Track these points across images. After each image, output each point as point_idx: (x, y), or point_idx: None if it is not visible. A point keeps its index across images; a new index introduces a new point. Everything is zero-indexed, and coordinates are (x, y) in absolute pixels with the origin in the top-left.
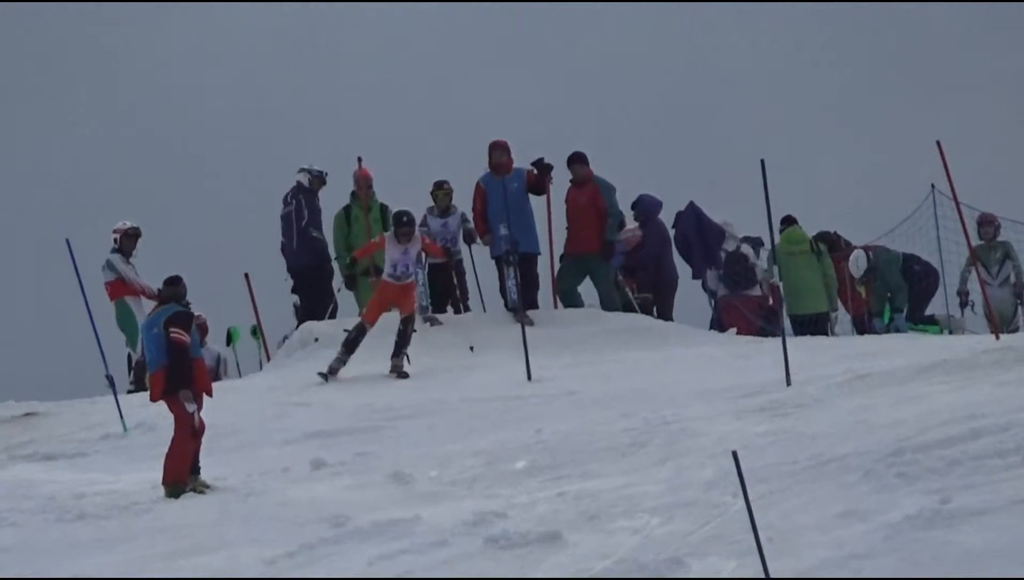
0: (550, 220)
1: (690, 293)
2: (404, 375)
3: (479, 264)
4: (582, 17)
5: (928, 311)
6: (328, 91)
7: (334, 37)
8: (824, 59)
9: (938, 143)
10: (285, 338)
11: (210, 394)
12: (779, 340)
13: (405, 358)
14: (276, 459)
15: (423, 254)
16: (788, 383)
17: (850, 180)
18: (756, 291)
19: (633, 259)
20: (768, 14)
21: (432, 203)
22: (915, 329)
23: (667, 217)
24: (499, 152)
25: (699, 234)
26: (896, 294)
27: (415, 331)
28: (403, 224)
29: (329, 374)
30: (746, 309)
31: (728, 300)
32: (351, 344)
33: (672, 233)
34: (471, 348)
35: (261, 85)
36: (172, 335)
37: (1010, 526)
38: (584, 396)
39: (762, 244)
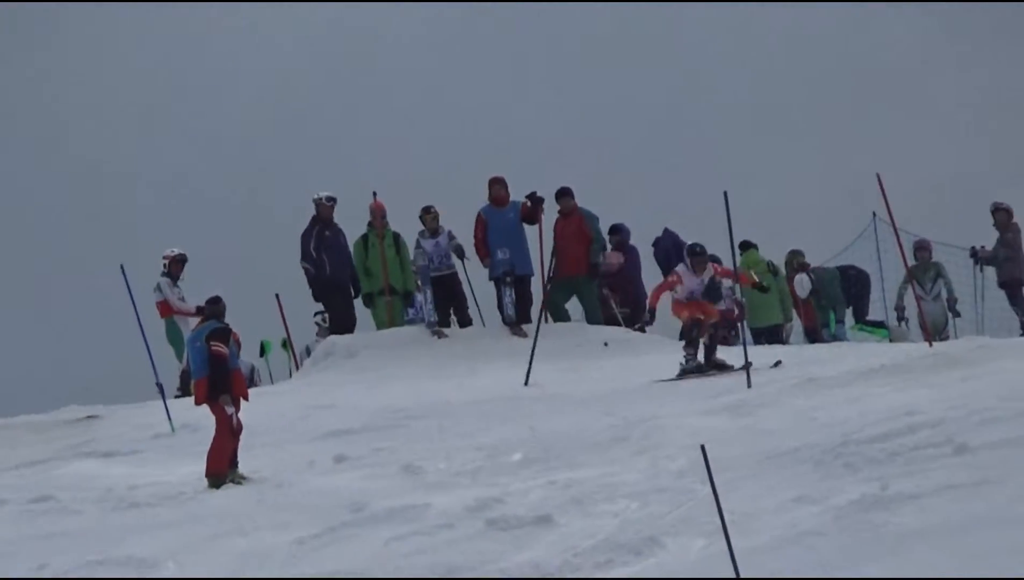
0: (541, 245)
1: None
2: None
3: (477, 284)
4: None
5: (876, 317)
6: (351, 121)
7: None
8: (794, 85)
9: (878, 176)
10: (307, 348)
11: (246, 399)
12: (741, 348)
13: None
14: (303, 454)
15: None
16: (749, 385)
17: (803, 205)
18: (722, 305)
19: (616, 279)
20: (724, 46)
21: (422, 226)
22: (864, 329)
23: (639, 241)
24: (498, 186)
25: (677, 255)
26: (837, 307)
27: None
28: (696, 254)
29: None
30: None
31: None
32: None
33: (653, 254)
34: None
35: (288, 108)
36: (213, 348)
37: (941, 508)
38: (572, 398)
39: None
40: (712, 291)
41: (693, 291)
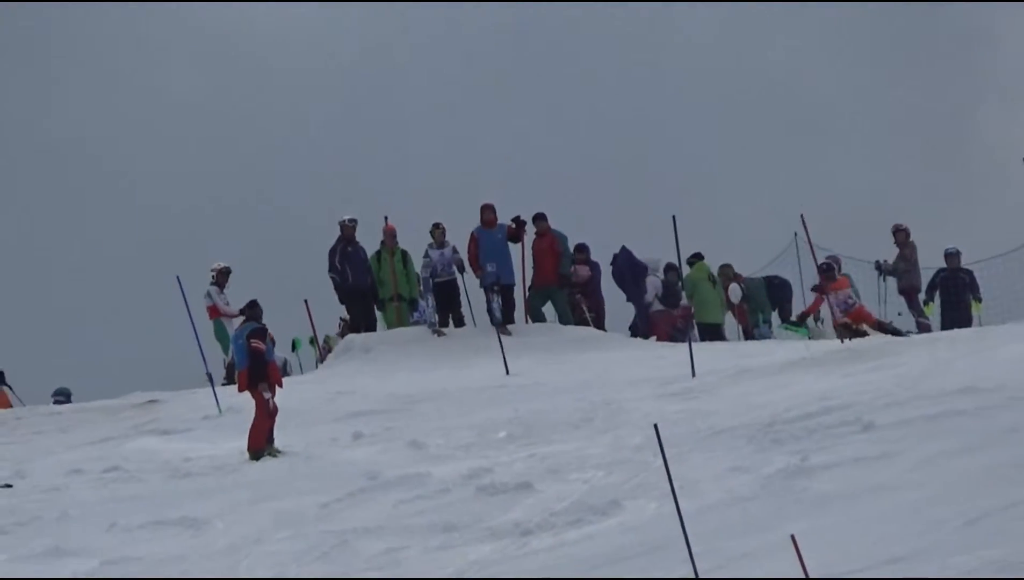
0: (524, 260)
1: (621, 311)
2: None
3: (471, 292)
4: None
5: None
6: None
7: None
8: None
9: (802, 216)
10: (326, 338)
11: (280, 386)
12: (688, 344)
13: None
14: (327, 432)
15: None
16: (693, 375)
17: (735, 223)
18: (678, 309)
19: (586, 288)
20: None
21: (431, 239)
22: (788, 328)
23: (599, 256)
24: (488, 212)
25: (630, 270)
26: (763, 310)
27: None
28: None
29: None
30: (666, 321)
31: (657, 314)
32: None
33: (611, 271)
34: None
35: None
36: (252, 345)
37: (852, 476)
38: (548, 385)
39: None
40: (673, 296)
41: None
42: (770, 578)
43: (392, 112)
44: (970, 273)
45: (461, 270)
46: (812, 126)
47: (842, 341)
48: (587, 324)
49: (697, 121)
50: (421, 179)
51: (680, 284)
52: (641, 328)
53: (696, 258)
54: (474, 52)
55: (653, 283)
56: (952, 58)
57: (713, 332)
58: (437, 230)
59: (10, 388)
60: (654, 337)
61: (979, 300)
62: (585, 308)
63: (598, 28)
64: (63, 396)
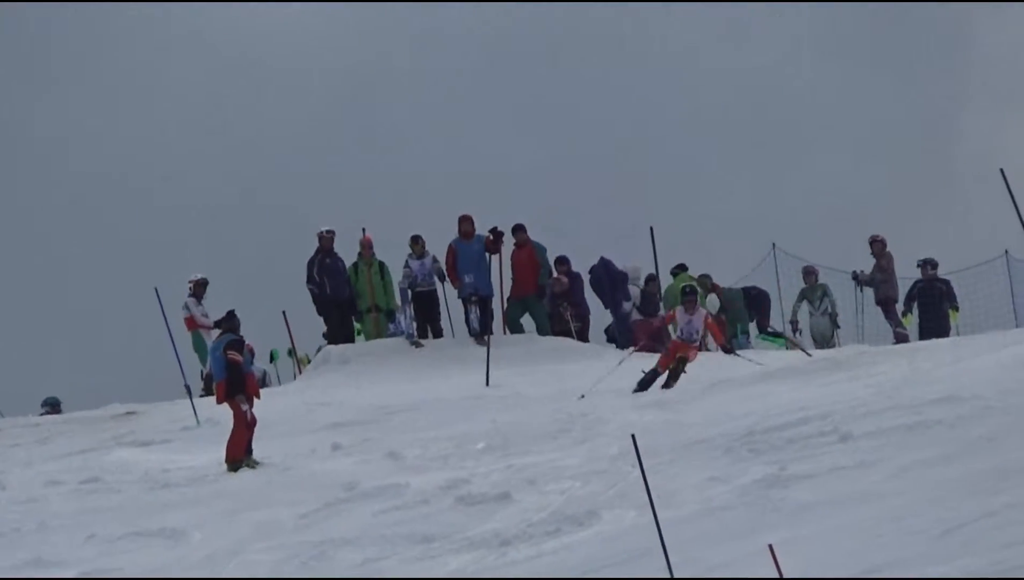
0: (501, 271)
1: (604, 322)
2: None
3: (449, 303)
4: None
5: (776, 328)
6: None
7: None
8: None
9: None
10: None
11: (258, 397)
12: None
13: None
14: (305, 443)
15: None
16: (671, 383)
17: (713, 233)
18: (658, 319)
19: (570, 298)
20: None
21: (411, 250)
22: (766, 338)
23: (578, 266)
24: (466, 223)
25: (609, 279)
26: (740, 321)
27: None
28: (686, 294)
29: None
30: (645, 330)
31: (636, 323)
32: (644, 383)
33: (589, 280)
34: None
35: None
36: (229, 356)
37: (829, 486)
38: (525, 396)
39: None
40: (653, 306)
41: (687, 331)
42: (748, 578)
43: (371, 120)
44: (947, 282)
45: (442, 279)
46: (791, 134)
47: (809, 354)
48: (570, 334)
49: (677, 128)
50: (399, 190)
51: (659, 295)
52: (621, 337)
53: (680, 269)
54: (449, 58)
55: (632, 292)
56: (933, 62)
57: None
58: (416, 244)
59: None
60: (631, 347)
61: (956, 309)
62: (570, 317)
63: (574, 31)
64: (52, 406)
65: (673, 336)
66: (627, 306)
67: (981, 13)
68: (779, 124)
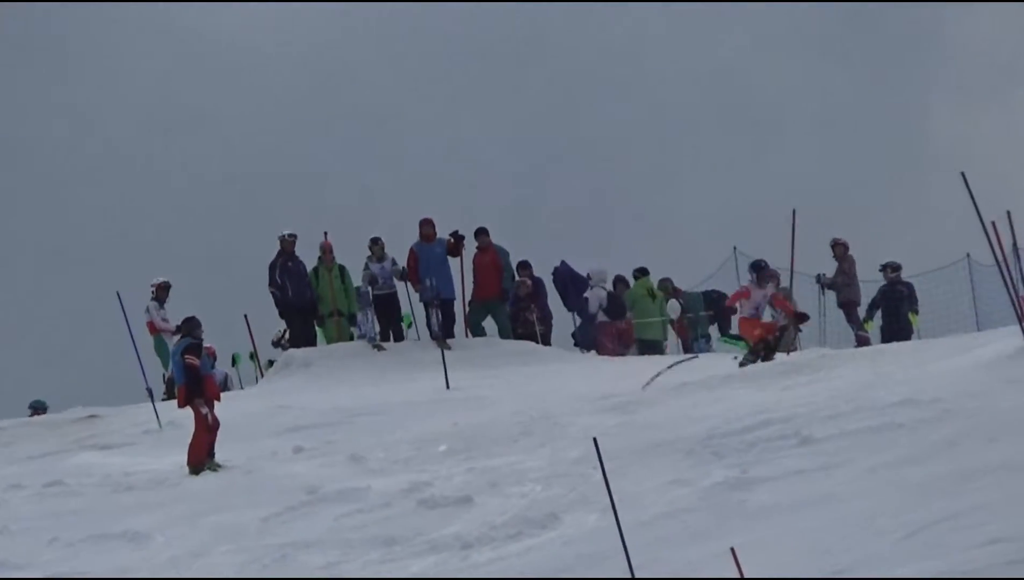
0: (463, 274)
1: (567, 325)
2: None
3: (412, 303)
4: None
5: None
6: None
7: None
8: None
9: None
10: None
11: (219, 400)
12: (627, 357)
13: None
14: (268, 446)
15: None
16: (645, 386)
17: (675, 238)
18: (623, 321)
19: (530, 301)
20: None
21: (370, 253)
22: (728, 341)
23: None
24: (427, 226)
25: (572, 282)
26: (700, 325)
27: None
28: (760, 269)
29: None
30: (610, 334)
31: (601, 326)
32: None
33: (552, 281)
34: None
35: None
36: (187, 361)
37: (791, 488)
38: (487, 399)
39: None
40: (618, 309)
41: (759, 305)
42: (711, 578)
43: (333, 122)
44: (909, 286)
45: (403, 279)
46: (754, 135)
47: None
48: (534, 337)
49: (640, 128)
50: (358, 194)
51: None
52: (585, 339)
53: (641, 273)
54: (404, 59)
55: (598, 295)
56: (900, 62)
57: (652, 347)
58: (376, 246)
59: None
60: (593, 350)
61: (916, 312)
62: (535, 320)
63: (535, 30)
64: (37, 409)
65: (743, 314)
66: (593, 308)
67: (951, 11)
68: (742, 125)
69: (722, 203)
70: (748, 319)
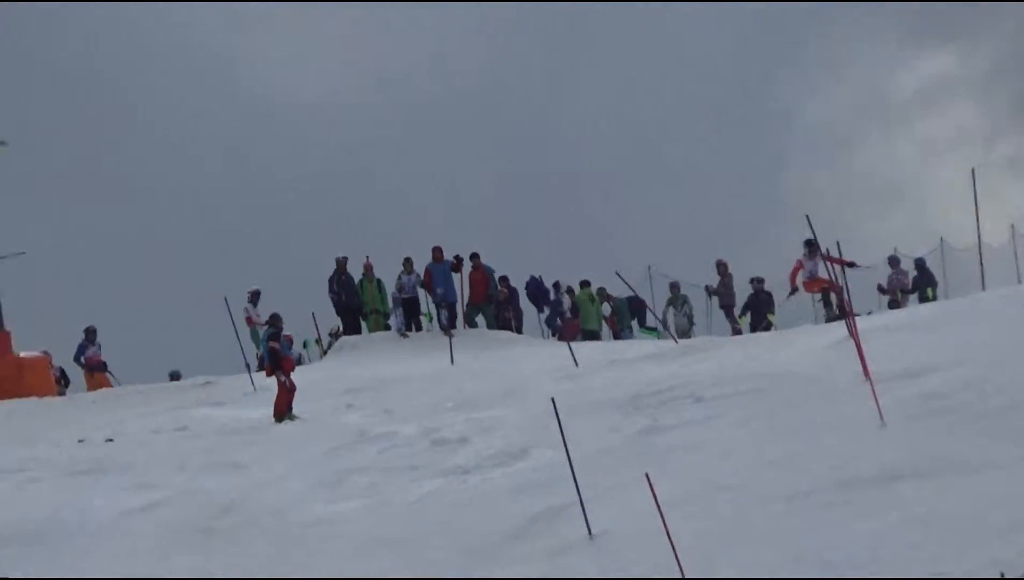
0: (462, 285)
1: (534, 322)
2: None
3: (428, 305)
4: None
5: (651, 325)
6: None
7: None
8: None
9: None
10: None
11: (293, 371)
12: (579, 344)
13: None
14: (328, 404)
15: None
16: (576, 365)
17: (610, 257)
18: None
19: (508, 304)
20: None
21: (403, 268)
22: (645, 332)
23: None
24: (437, 252)
25: (539, 292)
26: (627, 320)
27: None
28: (810, 245)
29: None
30: (571, 329)
31: (568, 321)
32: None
33: (525, 291)
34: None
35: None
36: (270, 345)
37: (687, 433)
38: (479, 371)
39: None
40: (576, 311)
41: (812, 271)
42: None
43: (364, 176)
44: (769, 294)
45: (423, 288)
46: (665, 178)
47: (676, 342)
48: (511, 329)
49: (583, 180)
50: (385, 227)
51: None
52: (552, 326)
53: (585, 284)
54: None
55: (566, 300)
56: (766, 130)
57: (592, 336)
58: (408, 263)
59: (111, 374)
60: (555, 336)
61: (772, 313)
62: (511, 317)
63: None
64: (175, 376)
65: (800, 280)
66: (565, 308)
67: (805, 95)
68: (654, 172)
69: (641, 232)
70: (808, 281)
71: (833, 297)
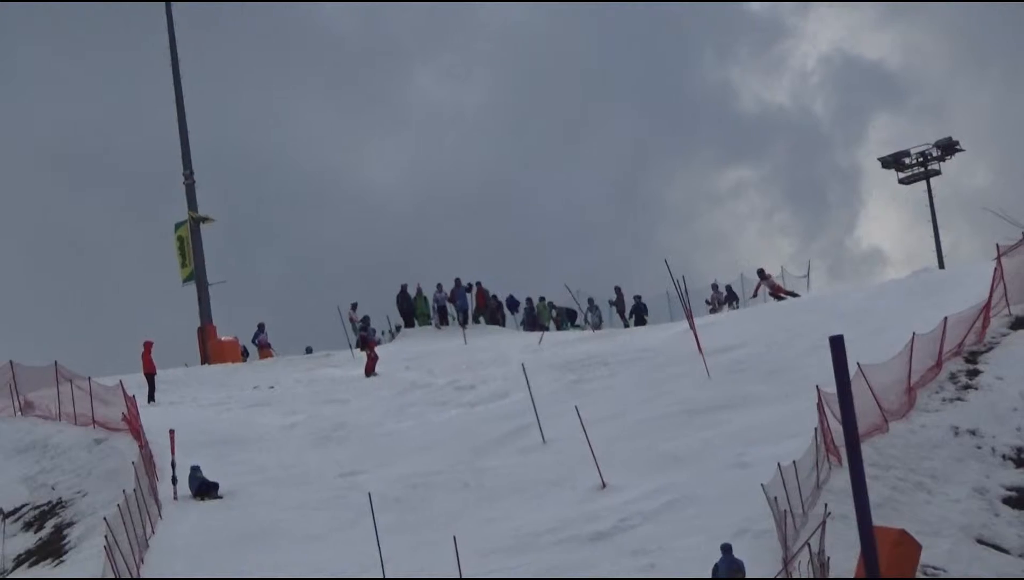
0: (472, 300)
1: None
2: None
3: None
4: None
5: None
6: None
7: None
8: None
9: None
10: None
11: (375, 347)
12: (539, 334)
13: None
14: (394, 366)
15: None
16: (539, 344)
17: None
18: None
19: (497, 311)
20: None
21: (437, 289)
22: (570, 327)
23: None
24: (457, 282)
25: (514, 304)
26: (565, 320)
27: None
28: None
29: None
30: (535, 326)
31: (530, 321)
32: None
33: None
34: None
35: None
36: (361, 334)
37: (600, 383)
38: (480, 348)
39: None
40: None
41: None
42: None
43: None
44: (645, 305)
45: (450, 302)
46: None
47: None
48: (500, 325)
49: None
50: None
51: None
52: (528, 325)
53: (542, 298)
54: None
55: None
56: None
57: (545, 329)
58: (439, 286)
59: (273, 349)
60: (526, 330)
61: (646, 313)
62: (500, 317)
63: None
64: (309, 350)
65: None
66: (537, 308)
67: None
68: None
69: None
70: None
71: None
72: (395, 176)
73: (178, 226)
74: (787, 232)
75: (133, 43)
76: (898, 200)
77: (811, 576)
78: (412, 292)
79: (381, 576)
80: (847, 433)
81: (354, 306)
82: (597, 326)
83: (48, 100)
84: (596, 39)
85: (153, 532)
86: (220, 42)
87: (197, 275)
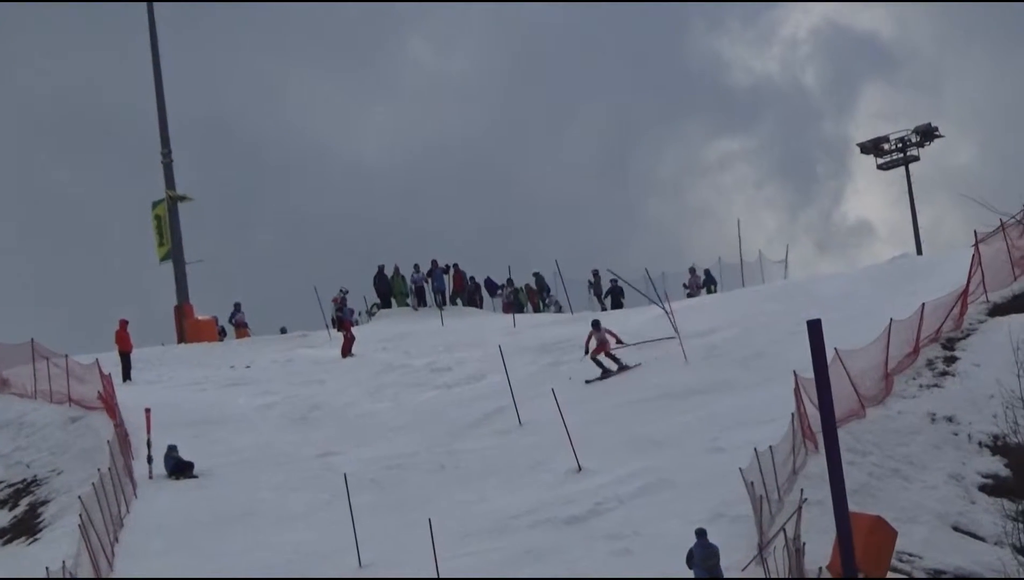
0: (449, 281)
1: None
2: None
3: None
4: None
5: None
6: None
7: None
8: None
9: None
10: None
11: (351, 328)
12: (514, 316)
13: None
14: (371, 348)
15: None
16: (514, 326)
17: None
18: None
19: (475, 293)
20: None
21: (414, 270)
22: (546, 310)
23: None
24: (434, 263)
25: (492, 286)
26: (540, 303)
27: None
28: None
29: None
30: (508, 307)
31: (508, 303)
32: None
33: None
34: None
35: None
36: (337, 314)
37: (577, 365)
38: (457, 330)
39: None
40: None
41: (601, 340)
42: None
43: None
44: (622, 289)
45: (426, 283)
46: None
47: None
48: (477, 306)
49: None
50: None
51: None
52: (507, 309)
53: (516, 283)
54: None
55: (507, 291)
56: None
57: (521, 310)
58: (417, 266)
59: (249, 329)
60: (503, 312)
61: (623, 296)
62: (478, 299)
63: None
64: (284, 330)
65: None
66: (509, 293)
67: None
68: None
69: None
70: (595, 348)
71: (603, 357)
72: (383, 147)
73: (155, 205)
74: (774, 205)
75: (111, 11)
76: (882, 178)
77: (786, 562)
78: (389, 272)
79: (356, 558)
80: (824, 418)
81: (344, 292)
82: (559, 311)
83: (30, 66)
84: (586, 9)
85: (128, 511)
86: (201, 16)
87: (174, 254)
